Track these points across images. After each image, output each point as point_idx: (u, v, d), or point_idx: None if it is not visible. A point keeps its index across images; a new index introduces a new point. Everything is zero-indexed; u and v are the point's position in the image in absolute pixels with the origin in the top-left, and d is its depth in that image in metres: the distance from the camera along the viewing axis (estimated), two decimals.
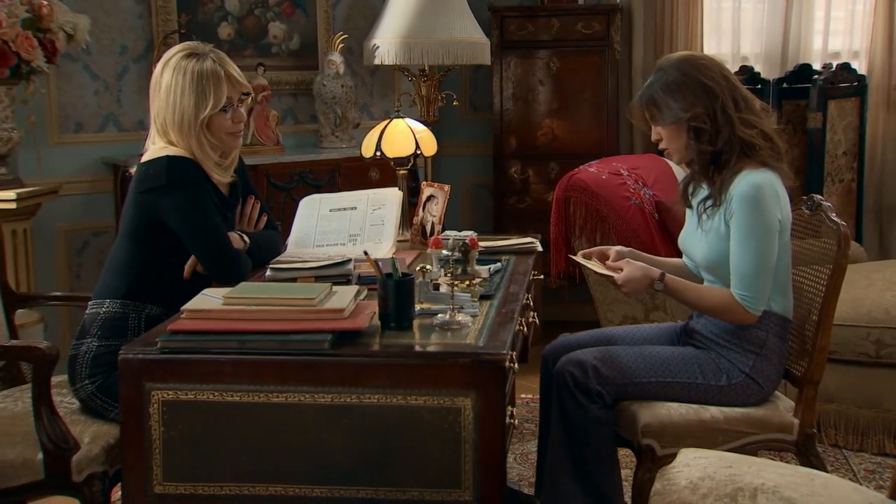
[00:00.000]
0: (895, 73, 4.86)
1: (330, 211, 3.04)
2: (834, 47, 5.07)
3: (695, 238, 2.62)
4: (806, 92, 4.58)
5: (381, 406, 2.03)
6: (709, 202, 2.53)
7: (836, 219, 2.54)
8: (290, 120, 4.79)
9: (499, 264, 2.75)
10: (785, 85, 4.86)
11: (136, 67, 4.28)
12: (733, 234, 2.46)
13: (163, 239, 2.53)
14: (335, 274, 2.54)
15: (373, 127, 3.40)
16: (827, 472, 2.38)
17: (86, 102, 4.18)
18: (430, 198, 3.10)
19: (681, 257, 2.78)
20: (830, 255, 2.52)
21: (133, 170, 2.66)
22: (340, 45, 4.64)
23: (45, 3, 3.55)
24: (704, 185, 2.58)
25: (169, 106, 2.56)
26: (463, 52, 4.48)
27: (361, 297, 2.25)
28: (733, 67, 4.89)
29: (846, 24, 5.05)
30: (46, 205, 3.86)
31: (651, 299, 3.62)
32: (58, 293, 3.50)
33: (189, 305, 2.17)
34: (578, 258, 2.73)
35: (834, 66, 4.70)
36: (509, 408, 2.19)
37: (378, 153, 3.26)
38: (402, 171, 3.28)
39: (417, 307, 2.27)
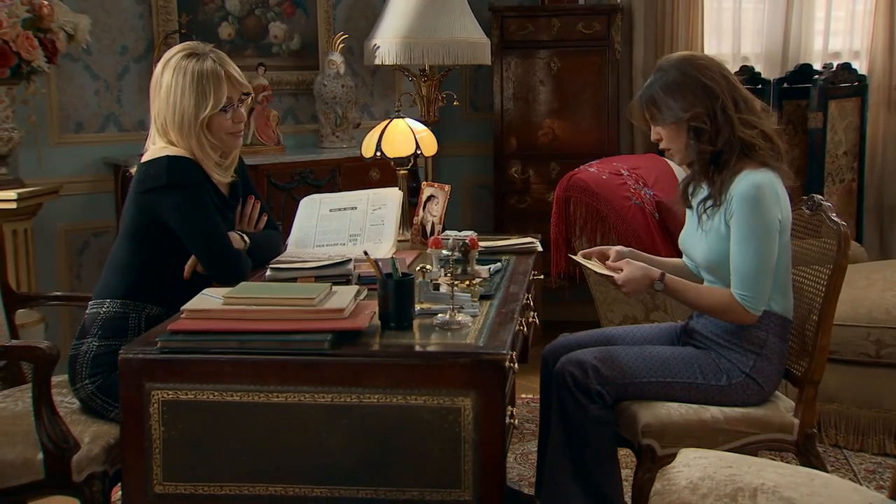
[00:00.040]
0: None
1: (330, 211, 3.04)
2: (834, 47, 5.07)
3: (695, 238, 2.62)
4: (806, 92, 4.58)
5: (381, 406, 2.03)
6: (709, 202, 2.53)
7: (836, 219, 2.54)
8: (291, 120, 4.79)
9: (499, 264, 2.75)
10: (785, 85, 4.86)
11: (137, 67, 4.28)
12: (733, 234, 2.46)
13: (163, 239, 2.53)
14: (335, 274, 2.54)
15: (373, 127, 3.40)
16: (827, 472, 2.38)
17: (86, 102, 4.19)
18: (430, 198, 3.11)
19: (681, 257, 2.78)
20: (830, 255, 2.52)
21: (133, 170, 2.66)
22: (341, 45, 4.64)
23: (46, 3, 3.55)
24: (704, 186, 2.58)
25: (169, 106, 2.56)
26: (463, 52, 4.48)
27: (361, 297, 2.25)
28: (734, 67, 4.89)
29: (847, 24, 5.05)
30: (47, 205, 3.87)
31: (651, 299, 3.62)
32: (58, 293, 3.50)
33: (189, 305, 2.17)
34: (578, 258, 2.73)
35: (834, 66, 4.70)
36: (509, 408, 2.19)
37: (378, 153, 3.26)
38: (402, 171, 3.28)
39: (417, 307, 2.27)
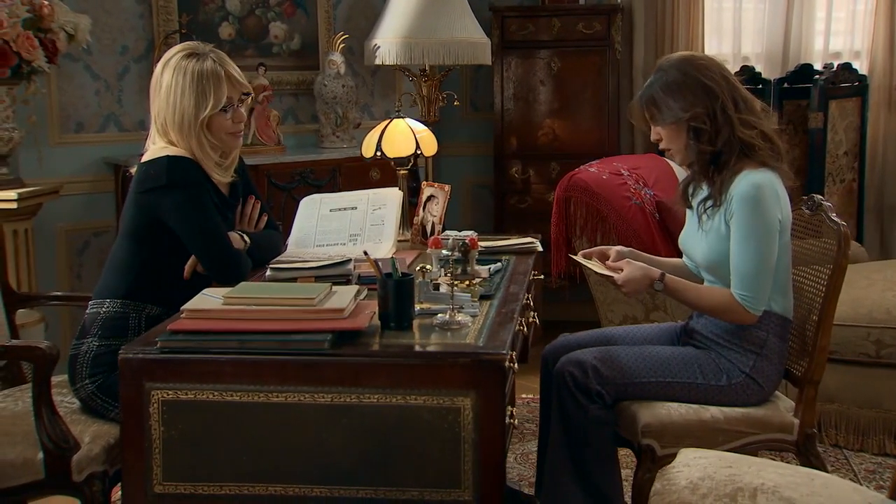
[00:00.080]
0: None
1: (330, 211, 3.04)
2: (835, 47, 5.07)
3: (695, 238, 2.62)
4: (807, 92, 4.58)
5: (381, 406, 2.04)
6: (709, 202, 2.53)
7: (836, 219, 2.54)
8: (291, 120, 4.79)
9: (499, 264, 2.75)
10: (786, 85, 4.86)
11: (137, 67, 4.29)
12: (733, 235, 2.46)
13: (163, 239, 2.53)
14: (335, 274, 2.54)
15: (373, 127, 3.40)
16: (827, 472, 2.38)
17: (87, 102, 4.19)
18: (430, 198, 3.11)
19: (681, 257, 2.78)
20: (831, 255, 2.52)
21: (134, 170, 2.66)
22: (341, 45, 4.64)
23: (46, 3, 3.55)
24: (704, 186, 2.58)
25: (169, 106, 2.56)
26: (464, 52, 4.48)
27: (361, 296, 2.25)
28: (734, 67, 4.89)
29: (847, 24, 5.05)
30: (47, 205, 3.87)
31: (651, 299, 3.62)
32: (58, 293, 3.50)
33: (189, 305, 2.17)
34: (579, 258, 2.73)
35: (835, 66, 4.70)
36: (509, 408, 2.19)
37: (378, 153, 3.26)
38: (402, 171, 3.28)
39: (417, 307, 2.27)
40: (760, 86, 4.73)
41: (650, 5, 4.94)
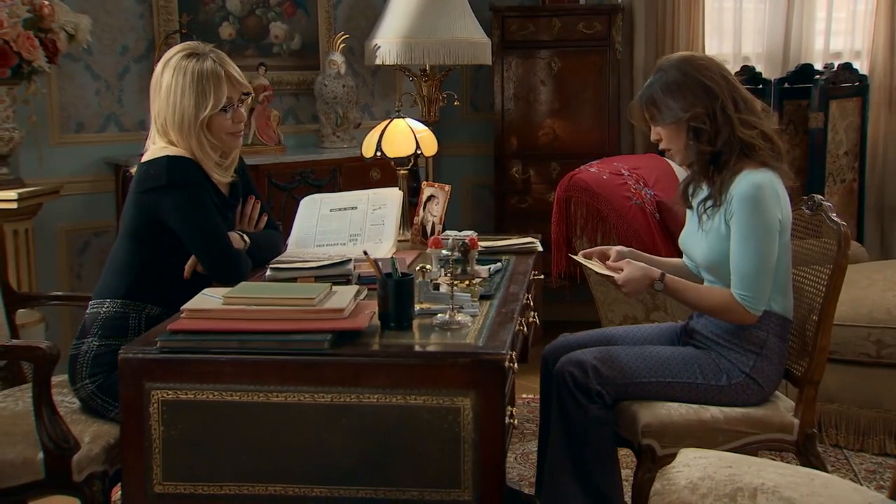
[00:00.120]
0: None
1: (330, 211, 3.04)
2: (835, 47, 5.07)
3: (695, 238, 2.62)
4: (807, 92, 4.58)
5: (381, 406, 2.03)
6: (709, 202, 2.53)
7: (836, 219, 2.54)
8: (292, 120, 4.79)
9: (499, 264, 2.75)
10: (786, 85, 4.86)
11: (138, 67, 4.29)
12: (733, 235, 2.46)
13: (163, 239, 2.53)
14: (335, 274, 2.54)
15: (374, 127, 3.40)
16: (827, 472, 2.38)
17: (87, 102, 4.19)
18: (430, 198, 3.11)
19: (681, 257, 2.78)
20: (831, 255, 2.52)
21: (134, 170, 2.66)
22: (342, 45, 4.64)
23: (47, 3, 3.55)
24: (704, 186, 2.58)
25: (169, 106, 2.56)
26: (464, 52, 4.48)
27: (361, 296, 2.25)
28: (735, 67, 4.89)
29: (848, 24, 5.05)
30: (48, 205, 3.87)
31: (652, 299, 3.62)
32: (59, 293, 3.50)
33: (189, 305, 2.17)
34: (579, 258, 2.73)
35: (835, 66, 4.70)
36: (509, 408, 2.19)
37: (378, 153, 3.26)
38: (402, 171, 3.28)
39: (417, 307, 2.27)
40: (761, 86, 4.72)
41: (651, 5, 4.94)
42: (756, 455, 2.49)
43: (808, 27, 5.02)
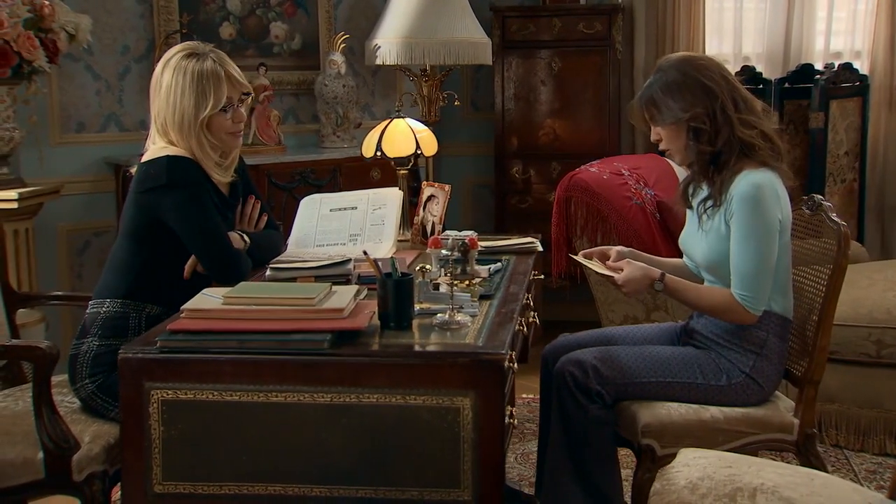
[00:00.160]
0: None
1: (330, 211, 3.04)
2: (836, 47, 5.06)
3: (695, 238, 2.62)
4: (808, 92, 4.58)
5: (381, 406, 2.03)
6: (709, 202, 2.53)
7: (836, 219, 2.54)
8: (292, 120, 4.79)
9: (499, 264, 2.75)
10: (787, 85, 4.86)
11: (138, 67, 4.29)
12: (733, 234, 2.46)
13: (163, 239, 2.53)
14: (335, 274, 2.54)
15: (374, 127, 3.40)
16: (827, 472, 2.38)
17: (87, 102, 4.19)
18: (430, 198, 3.11)
19: (681, 257, 2.78)
20: (831, 255, 2.52)
21: (134, 170, 2.66)
22: (342, 45, 4.64)
23: (47, 3, 3.55)
24: (704, 186, 2.58)
25: (169, 106, 2.56)
26: (464, 52, 4.48)
27: (361, 296, 2.25)
28: (735, 67, 4.89)
29: (848, 24, 5.05)
30: (48, 204, 3.87)
31: (652, 299, 3.62)
32: (59, 293, 3.50)
33: (189, 305, 2.17)
34: (579, 258, 2.73)
35: (836, 65, 4.70)
36: (509, 407, 2.20)
37: (378, 153, 3.26)
38: (402, 171, 3.28)
39: (417, 307, 2.27)
40: (761, 86, 4.72)
41: (651, 5, 4.94)
42: (756, 455, 2.49)
43: (808, 27, 5.02)
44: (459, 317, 2.22)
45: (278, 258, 2.76)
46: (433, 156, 3.50)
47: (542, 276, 3.07)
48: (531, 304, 2.77)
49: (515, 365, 2.32)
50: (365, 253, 2.39)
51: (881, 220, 5.01)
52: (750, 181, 2.44)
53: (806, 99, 4.63)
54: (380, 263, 2.24)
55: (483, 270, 2.45)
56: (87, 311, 2.58)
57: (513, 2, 5.17)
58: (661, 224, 3.76)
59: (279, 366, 2.05)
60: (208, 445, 2.08)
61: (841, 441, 3.57)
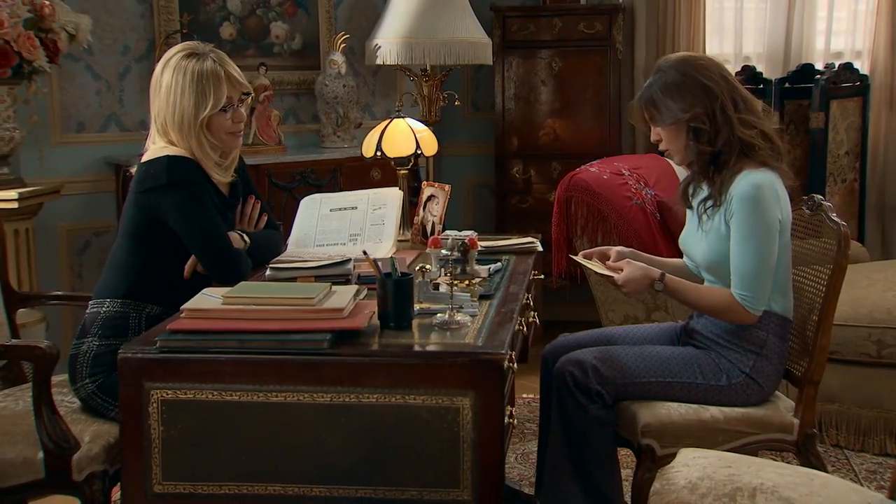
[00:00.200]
0: None
1: (330, 211, 3.04)
2: (836, 47, 5.06)
3: (695, 238, 2.62)
4: (808, 92, 4.58)
5: (380, 406, 2.04)
6: (709, 202, 2.53)
7: (836, 219, 2.54)
8: (292, 120, 4.80)
9: (499, 264, 2.75)
10: (787, 85, 4.85)
11: (138, 67, 4.29)
12: (733, 234, 2.46)
13: (163, 239, 2.53)
14: (335, 274, 2.54)
15: (374, 127, 3.40)
16: (827, 472, 2.38)
17: (88, 102, 4.19)
18: (430, 197, 3.11)
19: (682, 257, 2.78)
20: (831, 255, 2.52)
21: (134, 170, 2.66)
22: (342, 45, 4.64)
23: (47, 2, 3.55)
24: (704, 186, 2.58)
25: (169, 106, 2.56)
26: (465, 52, 4.48)
27: (361, 296, 2.25)
28: (735, 67, 4.89)
29: (849, 24, 5.05)
30: (48, 204, 3.87)
31: (652, 299, 3.62)
32: (59, 293, 3.50)
33: (188, 305, 2.17)
34: (579, 258, 2.73)
35: (836, 65, 4.70)
36: (508, 407, 2.20)
37: (378, 153, 3.26)
38: (402, 171, 3.28)
39: (417, 307, 2.27)
40: (762, 86, 4.72)
41: (651, 5, 4.94)
42: (756, 455, 2.49)
43: (808, 27, 5.02)
44: (459, 317, 2.22)
45: (278, 258, 2.76)
46: (433, 156, 3.50)
47: (543, 276, 3.07)
48: (531, 304, 2.77)
49: (515, 365, 2.32)
50: (365, 253, 2.39)
51: (881, 219, 5.01)
52: (750, 181, 2.44)
53: (806, 99, 4.63)
54: (379, 263, 2.24)
55: (483, 270, 2.45)
56: (87, 311, 2.58)
57: (513, 2, 5.17)
58: (662, 224, 3.76)
59: (279, 366, 2.05)
60: (208, 445, 2.08)
61: (841, 441, 3.57)
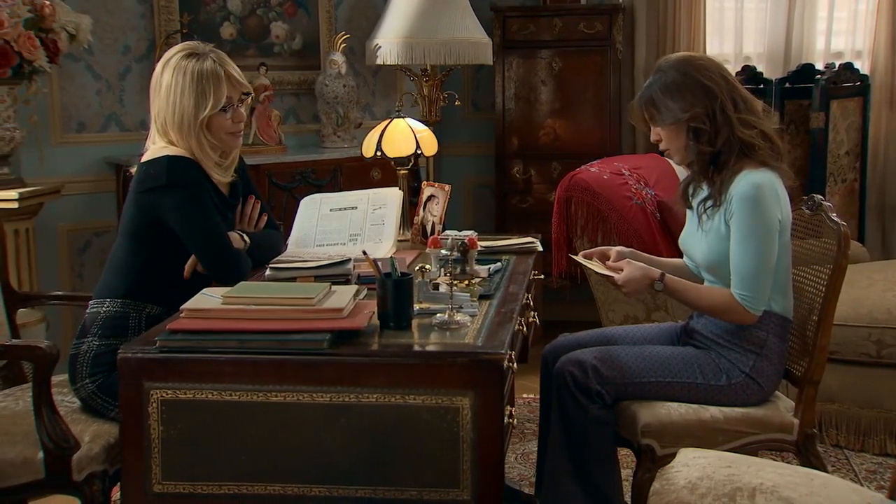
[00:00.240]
0: None
1: (330, 210, 3.04)
2: (837, 47, 5.06)
3: (695, 238, 2.62)
4: (808, 92, 4.58)
5: (380, 405, 2.04)
6: (709, 202, 2.53)
7: (836, 219, 2.54)
8: (293, 120, 4.80)
9: (498, 264, 2.75)
10: (787, 85, 4.85)
11: (139, 67, 4.29)
12: (733, 234, 2.46)
13: (163, 239, 2.53)
14: (335, 273, 2.54)
15: (375, 127, 3.40)
16: (827, 472, 2.38)
17: (88, 102, 4.19)
18: (430, 197, 3.11)
19: (682, 257, 2.78)
20: (831, 255, 2.52)
21: (134, 170, 2.66)
22: (342, 45, 4.64)
23: (48, 2, 3.55)
24: (704, 186, 2.58)
25: (169, 106, 2.56)
26: (465, 52, 4.48)
27: (361, 296, 2.25)
28: (736, 67, 4.89)
29: (849, 24, 5.05)
30: (49, 204, 3.87)
31: (652, 299, 3.62)
32: (60, 293, 3.51)
33: (188, 305, 2.17)
34: (579, 258, 2.73)
35: (837, 65, 4.70)
36: (508, 407, 2.20)
37: (378, 153, 3.26)
38: (402, 171, 3.29)
39: (416, 307, 2.27)
40: (762, 86, 4.72)
41: (652, 5, 4.94)
42: (756, 455, 2.49)
43: (809, 27, 5.02)
44: (459, 317, 2.22)
45: (278, 258, 2.76)
46: (433, 156, 3.50)
47: (543, 276, 3.07)
48: (531, 303, 2.77)
49: (515, 365, 2.32)
50: (364, 253, 2.39)
51: (882, 219, 5.01)
52: (750, 181, 2.44)
53: (807, 99, 4.63)
54: (379, 263, 2.24)
55: (482, 270, 2.45)
56: (87, 310, 2.58)
57: (513, 2, 5.17)
58: (662, 224, 3.76)
59: (278, 365, 2.05)
60: (208, 445, 2.08)
61: (841, 441, 3.57)
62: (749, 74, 4.73)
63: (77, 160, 4.17)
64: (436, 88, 4.70)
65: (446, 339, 2.15)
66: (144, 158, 2.60)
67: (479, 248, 2.46)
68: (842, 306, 2.58)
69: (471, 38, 4.51)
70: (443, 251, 2.36)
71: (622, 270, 2.56)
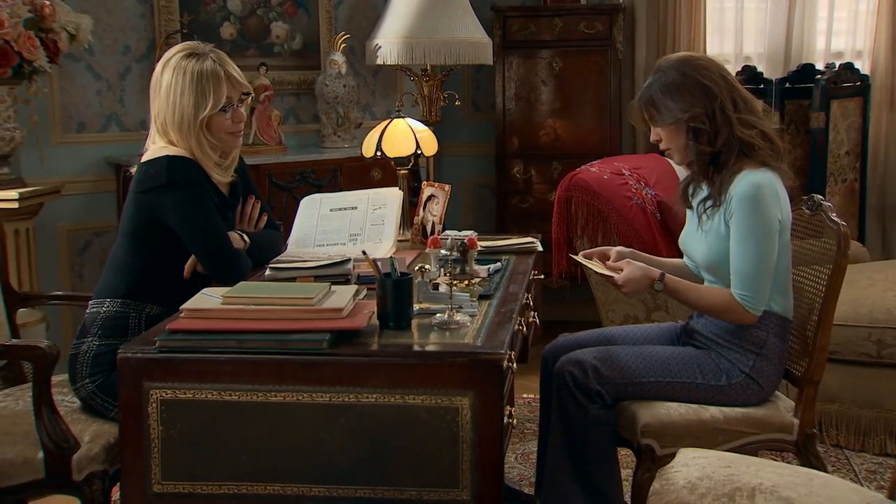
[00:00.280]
0: None
1: (330, 210, 3.04)
2: (837, 47, 5.06)
3: (695, 238, 2.62)
4: (809, 92, 4.58)
5: (380, 405, 2.04)
6: (709, 202, 2.53)
7: (836, 219, 2.54)
8: (293, 120, 4.80)
9: (498, 264, 2.75)
10: (788, 85, 4.85)
11: (139, 67, 4.29)
12: (733, 234, 2.46)
13: (163, 239, 2.53)
14: (334, 273, 2.54)
15: (375, 127, 3.40)
16: (827, 472, 2.38)
17: (88, 102, 4.19)
18: (430, 197, 3.11)
19: (682, 257, 2.78)
20: (831, 255, 2.52)
21: (134, 170, 2.66)
22: (343, 45, 4.64)
23: (48, 3, 3.56)
24: (704, 186, 2.58)
25: (169, 106, 2.56)
26: (465, 52, 4.48)
27: (360, 296, 2.25)
28: (736, 67, 4.89)
29: (849, 24, 5.05)
30: (49, 204, 3.87)
31: (652, 299, 3.62)
32: (60, 293, 3.51)
33: (188, 305, 2.17)
34: (579, 258, 2.73)
35: (837, 65, 4.70)
36: (508, 407, 2.19)
37: (378, 153, 3.26)
38: (402, 171, 3.29)
39: (416, 307, 2.27)
40: (762, 86, 4.72)
41: (652, 5, 4.94)
42: (756, 455, 2.49)
43: (809, 27, 5.02)
44: (458, 317, 2.22)
45: (278, 258, 2.76)
46: (433, 156, 3.50)
47: (543, 276, 3.07)
48: (531, 303, 2.77)
49: (515, 365, 2.32)
50: (364, 253, 2.39)
51: (882, 219, 5.01)
52: (750, 181, 2.44)
53: (807, 99, 4.63)
54: (379, 263, 2.24)
55: (482, 270, 2.45)
56: (87, 310, 2.59)
57: (514, 2, 5.17)
58: (662, 224, 3.76)
59: (278, 365, 2.05)
60: (207, 445, 2.08)
61: (841, 441, 3.57)
62: (749, 74, 4.73)
63: (77, 160, 4.17)
64: (436, 88, 4.70)
65: (446, 339, 2.15)
66: (144, 158, 2.60)
67: (479, 248, 2.46)
68: (842, 306, 2.58)
69: (471, 38, 4.51)
70: (443, 251, 2.35)
71: (622, 270, 2.56)
